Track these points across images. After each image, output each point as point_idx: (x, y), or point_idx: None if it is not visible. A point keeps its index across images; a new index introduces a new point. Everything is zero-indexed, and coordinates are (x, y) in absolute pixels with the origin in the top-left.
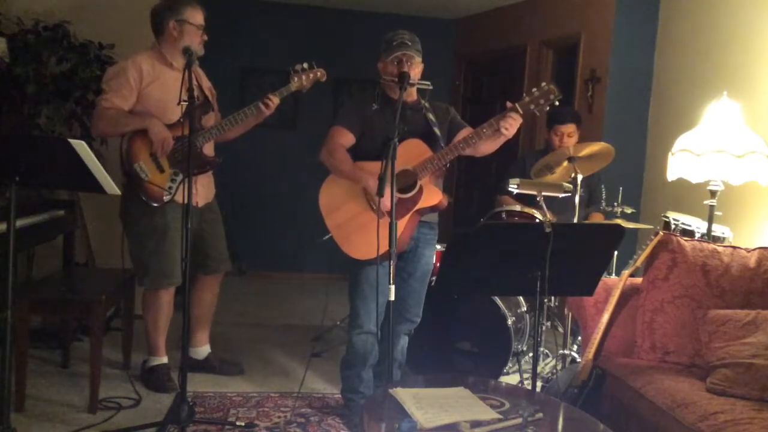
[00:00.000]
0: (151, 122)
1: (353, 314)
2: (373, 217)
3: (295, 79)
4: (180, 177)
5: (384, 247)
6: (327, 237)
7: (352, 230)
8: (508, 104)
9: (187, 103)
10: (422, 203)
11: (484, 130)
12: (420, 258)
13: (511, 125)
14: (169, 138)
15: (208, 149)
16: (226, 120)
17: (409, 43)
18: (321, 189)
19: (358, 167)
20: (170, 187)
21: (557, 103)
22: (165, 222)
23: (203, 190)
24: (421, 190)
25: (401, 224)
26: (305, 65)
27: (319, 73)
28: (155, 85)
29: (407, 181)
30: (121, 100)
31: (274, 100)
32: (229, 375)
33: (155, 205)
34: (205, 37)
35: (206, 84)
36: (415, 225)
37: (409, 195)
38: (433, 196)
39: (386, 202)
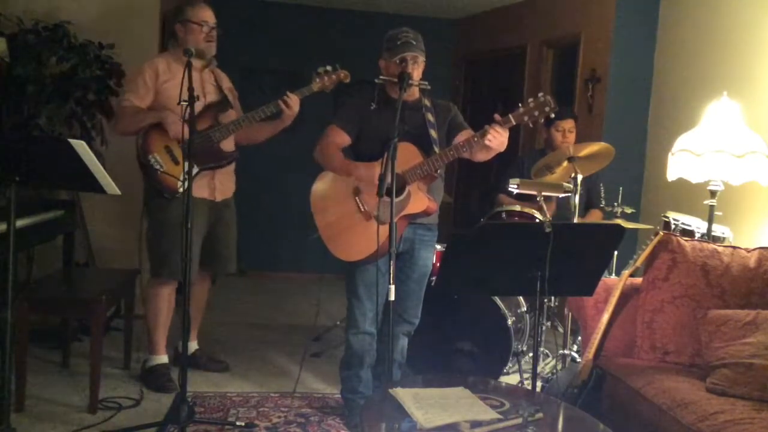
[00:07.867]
0: (165, 114)
1: (349, 314)
2: (361, 219)
3: (317, 80)
4: (195, 169)
5: (370, 250)
6: (315, 236)
7: (339, 230)
8: (496, 117)
9: (186, 103)
10: (408, 209)
11: (475, 139)
12: (417, 260)
13: (494, 137)
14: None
15: (227, 145)
16: (244, 117)
17: (414, 43)
18: (313, 187)
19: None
20: (185, 179)
21: (552, 115)
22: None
23: (221, 185)
24: (409, 195)
25: (386, 228)
26: (329, 68)
27: (342, 74)
28: (172, 83)
29: (397, 185)
30: (137, 99)
31: (294, 99)
32: (214, 372)
33: (176, 196)
34: (214, 34)
35: (227, 84)
36: (403, 228)
37: (397, 200)
38: (419, 202)
39: (373, 202)
